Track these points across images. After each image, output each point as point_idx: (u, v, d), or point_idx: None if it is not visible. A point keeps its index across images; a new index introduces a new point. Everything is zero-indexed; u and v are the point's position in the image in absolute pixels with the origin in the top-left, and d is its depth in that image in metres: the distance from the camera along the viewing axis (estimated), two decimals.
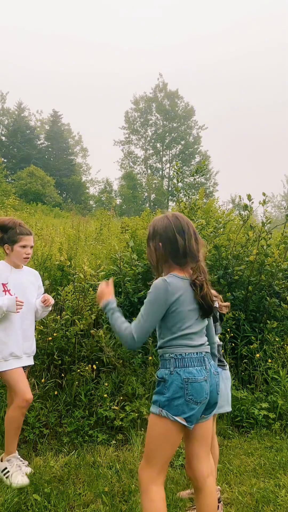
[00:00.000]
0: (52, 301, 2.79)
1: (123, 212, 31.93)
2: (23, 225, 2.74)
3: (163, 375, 1.75)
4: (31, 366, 2.99)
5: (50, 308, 2.86)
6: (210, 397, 1.78)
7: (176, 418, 1.69)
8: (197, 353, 1.78)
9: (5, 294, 2.61)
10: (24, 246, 2.68)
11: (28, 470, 2.66)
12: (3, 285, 2.63)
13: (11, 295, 2.62)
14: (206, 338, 1.86)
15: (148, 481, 1.75)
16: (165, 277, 1.78)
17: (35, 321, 2.85)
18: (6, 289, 2.63)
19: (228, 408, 2.37)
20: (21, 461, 2.72)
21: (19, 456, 2.74)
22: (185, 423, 1.70)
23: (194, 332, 1.78)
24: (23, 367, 2.70)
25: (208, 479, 1.86)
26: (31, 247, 2.74)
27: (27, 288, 2.76)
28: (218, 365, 2.25)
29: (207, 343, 1.87)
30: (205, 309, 1.79)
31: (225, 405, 2.32)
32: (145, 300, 1.78)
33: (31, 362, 2.76)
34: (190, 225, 1.84)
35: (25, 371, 2.74)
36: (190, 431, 1.80)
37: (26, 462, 2.75)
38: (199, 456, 1.86)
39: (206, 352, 1.83)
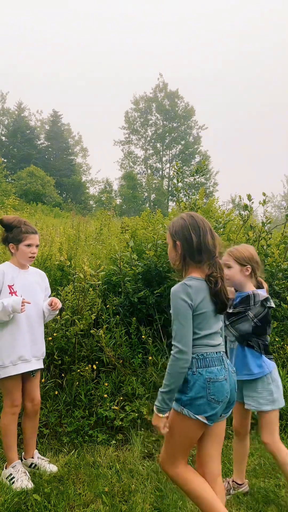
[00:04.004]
0: (59, 305, 2.73)
1: (123, 212, 31.94)
2: (28, 223, 2.70)
3: (185, 374, 1.76)
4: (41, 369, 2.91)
5: (57, 312, 2.81)
6: (229, 396, 1.82)
7: (198, 416, 1.74)
8: (216, 352, 1.82)
9: (12, 295, 2.56)
10: (29, 245, 2.63)
11: (49, 468, 2.69)
12: (9, 286, 2.58)
13: (18, 296, 2.56)
14: (222, 338, 1.89)
15: (177, 471, 1.82)
16: (185, 280, 1.81)
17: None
18: (12, 290, 2.58)
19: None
20: (42, 458, 2.77)
21: (38, 456, 2.78)
22: (206, 421, 1.75)
23: (214, 332, 1.83)
24: (33, 371, 2.68)
25: (218, 478, 1.91)
26: (37, 246, 2.70)
27: (35, 289, 2.71)
28: (270, 358, 2.32)
29: (223, 342, 1.90)
30: (219, 305, 1.81)
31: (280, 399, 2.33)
32: (171, 311, 1.80)
33: (40, 365, 2.71)
34: (205, 222, 1.88)
35: (35, 375, 2.71)
36: (205, 430, 1.84)
37: (47, 459, 2.78)
38: (211, 455, 1.90)
39: (223, 351, 1.87)
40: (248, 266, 2.34)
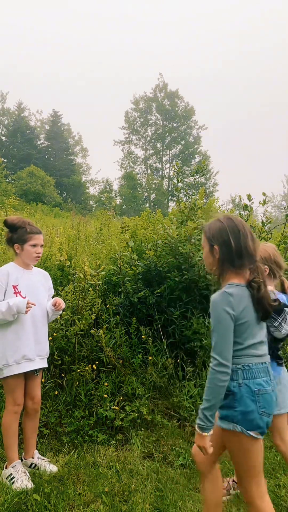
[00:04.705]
0: (63, 305, 2.76)
1: (123, 212, 31.94)
2: (32, 224, 2.73)
3: (230, 387, 1.66)
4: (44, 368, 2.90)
5: (60, 312, 2.84)
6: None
7: (251, 432, 1.64)
8: (262, 363, 1.72)
9: (16, 296, 2.58)
10: (34, 245, 2.67)
11: (49, 468, 2.69)
12: (14, 287, 2.61)
13: (23, 296, 2.59)
14: (266, 347, 1.79)
15: (251, 498, 1.71)
16: (225, 288, 1.71)
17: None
18: (17, 290, 2.61)
19: None
20: (42, 458, 2.77)
21: (38, 456, 2.79)
22: (260, 437, 1.67)
23: (258, 342, 1.73)
24: (37, 370, 2.70)
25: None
26: (41, 246, 2.73)
27: (38, 289, 2.74)
28: (279, 364, 2.27)
29: (267, 352, 1.80)
30: (262, 312, 1.72)
31: None
32: (211, 320, 1.71)
33: (44, 364, 2.73)
34: (244, 225, 1.77)
35: (38, 374, 2.74)
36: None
37: (47, 459, 2.78)
38: (216, 461, 1.89)
39: (268, 361, 1.77)
40: (266, 267, 2.26)
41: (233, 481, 2.52)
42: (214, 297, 1.71)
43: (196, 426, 1.69)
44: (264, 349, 1.76)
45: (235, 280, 1.74)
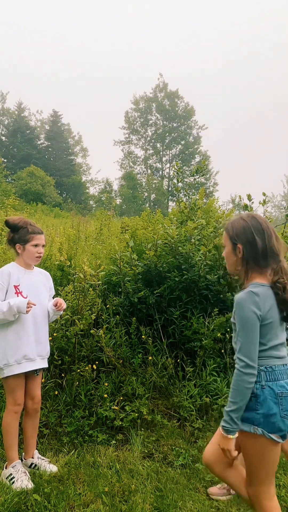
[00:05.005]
0: (64, 305, 2.76)
1: (123, 212, 31.93)
2: (34, 224, 2.74)
3: (253, 389, 1.63)
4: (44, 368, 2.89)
5: (61, 312, 2.84)
6: None
7: (272, 436, 1.61)
8: (283, 365, 1.69)
9: (18, 296, 2.59)
10: (36, 245, 2.67)
11: (49, 468, 2.69)
12: (15, 287, 2.61)
13: (24, 297, 2.59)
14: (286, 349, 1.74)
15: (259, 499, 1.70)
16: (250, 288, 1.68)
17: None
18: (18, 291, 2.61)
19: None
20: (42, 458, 2.77)
21: (38, 456, 2.79)
22: (280, 440, 1.64)
23: (280, 343, 1.70)
24: (37, 370, 2.70)
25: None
26: (43, 246, 2.74)
27: (39, 289, 2.75)
28: None
29: (286, 355, 1.74)
30: (286, 313, 1.69)
31: None
32: (235, 321, 1.68)
33: (45, 364, 2.73)
34: (268, 224, 1.74)
35: (38, 374, 2.75)
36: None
37: (47, 459, 2.79)
38: (236, 463, 1.87)
39: None
40: None
41: None
42: (239, 296, 1.67)
43: (220, 428, 1.66)
44: (284, 350, 1.72)
45: (259, 279, 1.71)
